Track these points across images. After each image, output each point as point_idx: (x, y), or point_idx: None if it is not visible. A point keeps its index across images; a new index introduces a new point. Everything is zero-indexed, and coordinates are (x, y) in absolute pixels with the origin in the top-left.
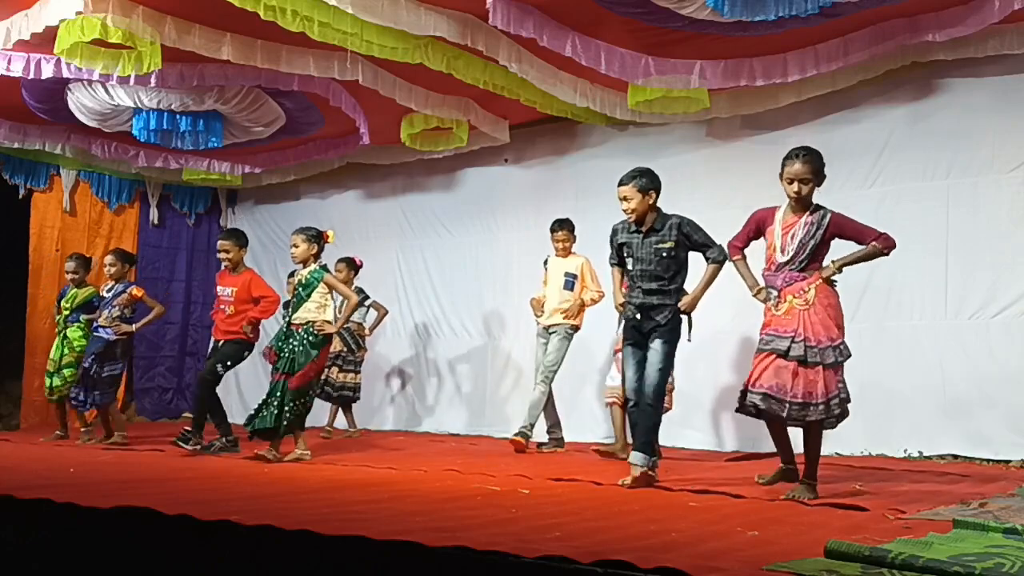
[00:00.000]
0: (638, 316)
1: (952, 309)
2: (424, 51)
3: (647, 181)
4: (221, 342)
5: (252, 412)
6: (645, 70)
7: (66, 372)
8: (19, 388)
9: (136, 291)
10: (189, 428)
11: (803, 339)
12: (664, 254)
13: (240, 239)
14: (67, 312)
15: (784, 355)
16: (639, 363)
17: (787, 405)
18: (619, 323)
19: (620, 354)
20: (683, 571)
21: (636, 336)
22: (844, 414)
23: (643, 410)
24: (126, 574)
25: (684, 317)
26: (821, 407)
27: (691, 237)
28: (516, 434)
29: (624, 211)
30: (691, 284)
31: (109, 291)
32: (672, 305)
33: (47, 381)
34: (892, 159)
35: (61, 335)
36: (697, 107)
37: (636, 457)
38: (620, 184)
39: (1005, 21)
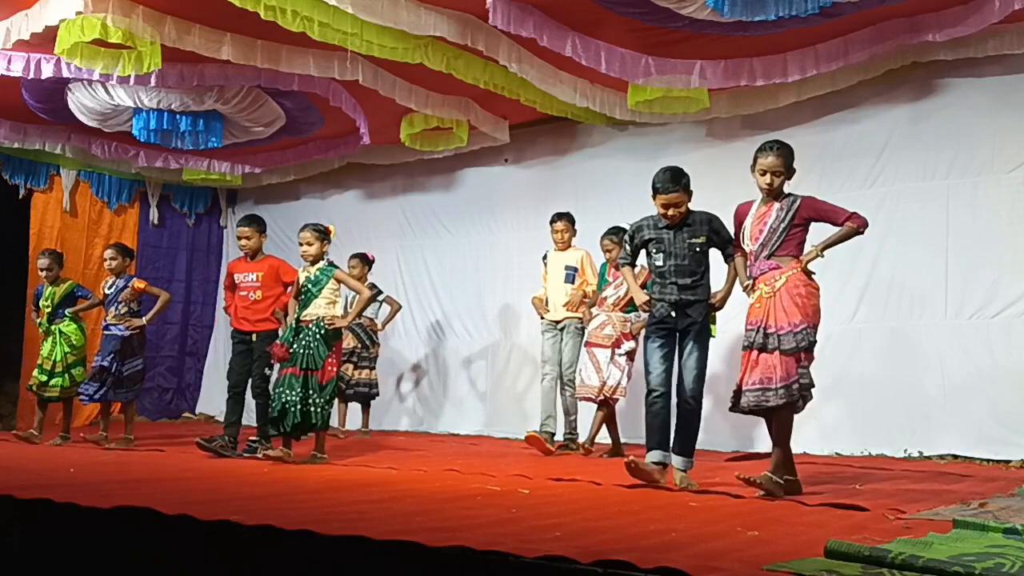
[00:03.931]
0: (672, 313)
1: (952, 309)
2: (424, 51)
3: (688, 181)
4: (253, 335)
5: (278, 412)
6: (645, 70)
7: (75, 372)
8: (17, 389)
9: (138, 283)
10: (254, 439)
11: (763, 326)
12: (697, 249)
13: (260, 225)
14: (48, 310)
15: (750, 346)
16: (667, 355)
17: (744, 395)
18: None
19: (594, 350)
20: (683, 571)
21: (666, 331)
22: (808, 399)
23: (685, 416)
24: (126, 574)
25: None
26: (781, 391)
27: (720, 233)
28: (574, 449)
29: (668, 216)
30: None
31: (111, 287)
32: (705, 301)
33: (41, 378)
34: (892, 159)
35: (56, 332)
36: (697, 107)
37: (678, 461)
38: (668, 191)
39: (1005, 21)
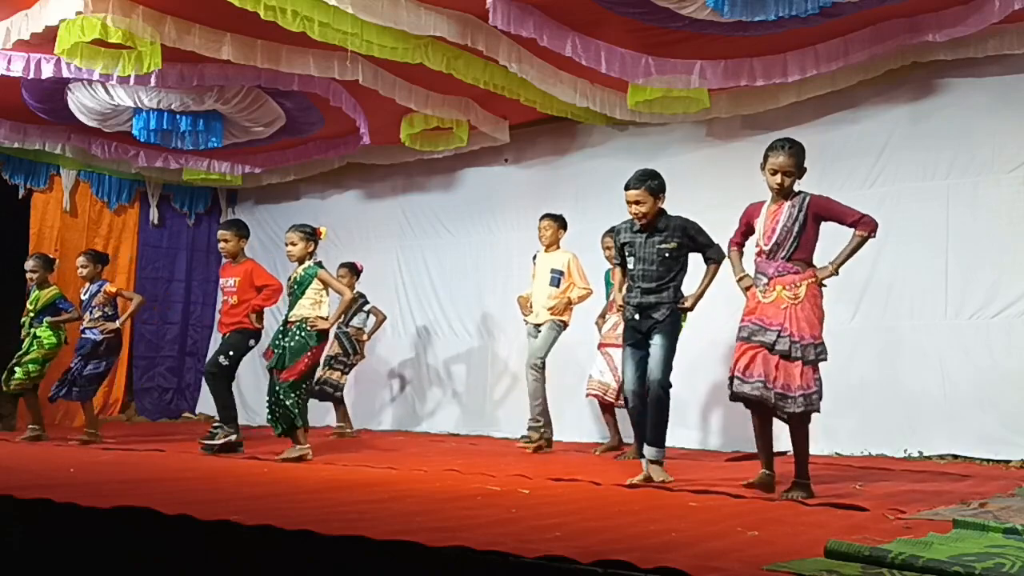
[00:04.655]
0: (636, 316)
1: (952, 309)
2: (424, 51)
3: (657, 184)
4: (226, 335)
5: (269, 414)
6: (645, 70)
7: (30, 366)
8: None
9: (110, 288)
10: (216, 424)
11: (788, 334)
12: (667, 254)
13: (240, 229)
14: (32, 315)
15: (770, 348)
16: (638, 364)
17: (772, 394)
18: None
19: (608, 350)
20: (683, 571)
21: (635, 336)
22: (816, 410)
23: (653, 405)
24: (126, 574)
25: (679, 314)
26: (800, 400)
27: (696, 239)
28: (523, 437)
29: (634, 214)
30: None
31: (86, 293)
32: (669, 303)
33: (6, 373)
34: (892, 159)
35: (31, 335)
36: (697, 107)
37: (649, 451)
38: (630, 188)
39: (1005, 21)
